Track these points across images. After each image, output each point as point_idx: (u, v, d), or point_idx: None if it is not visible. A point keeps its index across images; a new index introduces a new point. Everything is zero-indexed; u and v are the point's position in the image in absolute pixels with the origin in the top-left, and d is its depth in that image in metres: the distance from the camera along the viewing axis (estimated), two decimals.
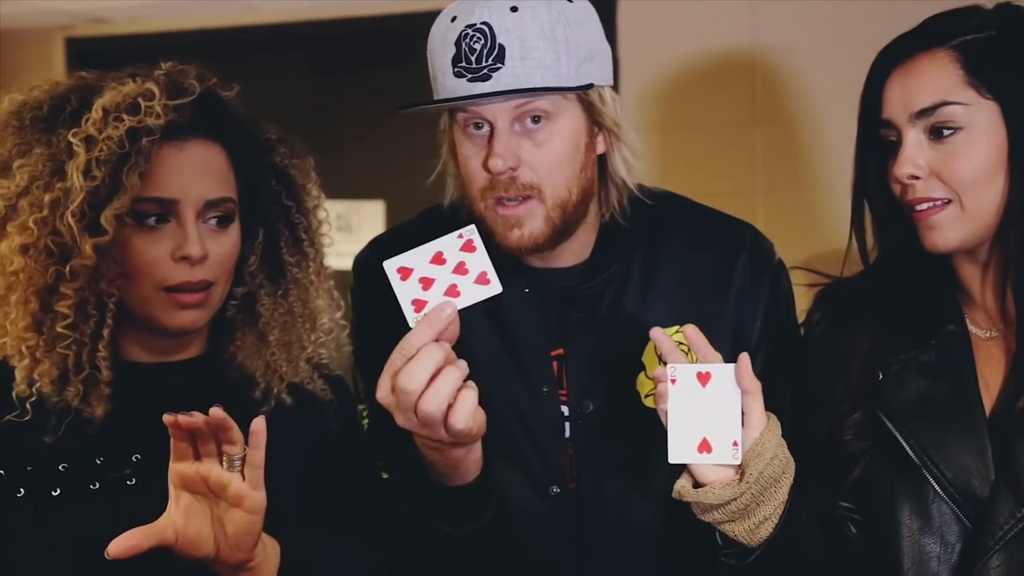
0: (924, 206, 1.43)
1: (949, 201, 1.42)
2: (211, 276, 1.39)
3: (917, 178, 1.42)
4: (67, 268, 1.26)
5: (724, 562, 1.46)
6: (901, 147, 1.43)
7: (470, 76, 1.47)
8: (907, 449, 1.44)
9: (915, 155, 1.42)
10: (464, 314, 1.60)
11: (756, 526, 1.38)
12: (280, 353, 1.50)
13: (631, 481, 1.59)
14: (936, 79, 1.41)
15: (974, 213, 1.41)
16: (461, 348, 1.59)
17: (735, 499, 1.36)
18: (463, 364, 1.34)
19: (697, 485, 1.40)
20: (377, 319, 1.65)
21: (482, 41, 1.46)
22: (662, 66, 3.78)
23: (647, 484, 1.59)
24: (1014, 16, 1.45)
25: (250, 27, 4.22)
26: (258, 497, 1.25)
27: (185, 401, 1.36)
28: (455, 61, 1.48)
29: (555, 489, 1.59)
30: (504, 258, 1.58)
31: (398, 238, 1.73)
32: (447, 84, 1.50)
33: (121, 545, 1.17)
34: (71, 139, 1.26)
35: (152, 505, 1.29)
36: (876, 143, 1.50)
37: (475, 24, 1.48)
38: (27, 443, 1.28)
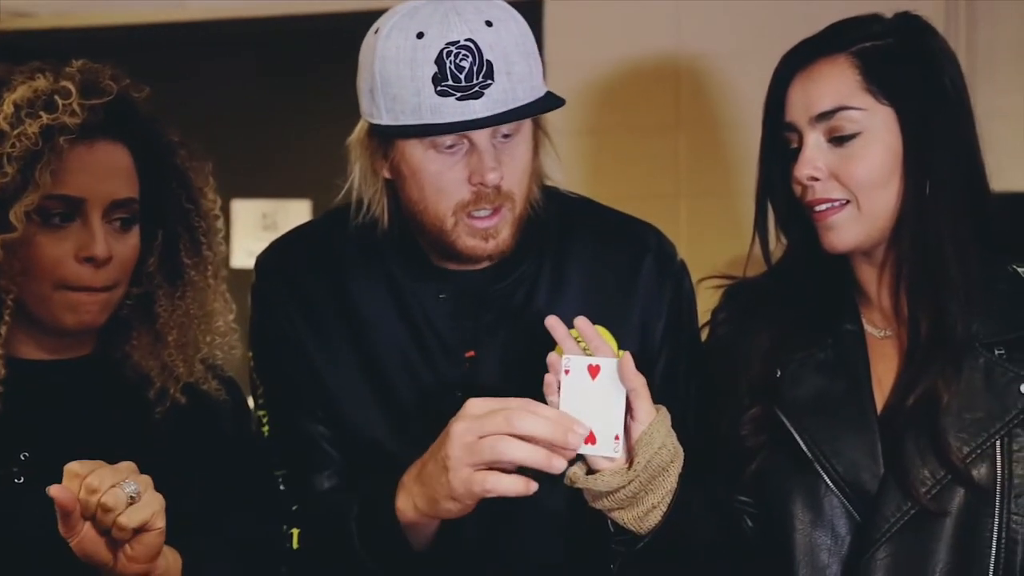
0: (823, 207, 1.45)
1: (847, 202, 1.44)
2: (112, 279, 1.39)
3: (816, 179, 1.45)
4: None
5: (615, 549, 1.47)
6: (802, 149, 1.46)
7: (459, 95, 1.44)
8: (801, 444, 1.47)
9: (815, 157, 1.44)
10: (378, 318, 1.62)
11: (644, 514, 1.39)
12: (177, 353, 1.49)
13: (541, 474, 1.57)
14: (835, 84, 1.44)
15: (870, 214, 1.45)
16: (378, 354, 1.62)
17: (623, 487, 1.37)
18: (534, 486, 1.36)
19: (590, 472, 1.42)
20: (278, 321, 1.67)
21: (470, 59, 1.44)
22: (588, 70, 3.77)
23: (556, 488, 1.54)
24: (912, 25, 1.48)
25: (178, 24, 4.20)
26: (156, 512, 1.23)
27: (78, 399, 1.40)
28: (437, 79, 1.45)
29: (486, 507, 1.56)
30: (418, 262, 1.61)
31: (301, 238, 1.75)
32: (425, 103, 1.45)
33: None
34: None
35: (39, 503, 1.26)
36: (779, 146, 1.53)
37: (458, 41, 1.45)
38: None
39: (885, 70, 1.44)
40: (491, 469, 1.33)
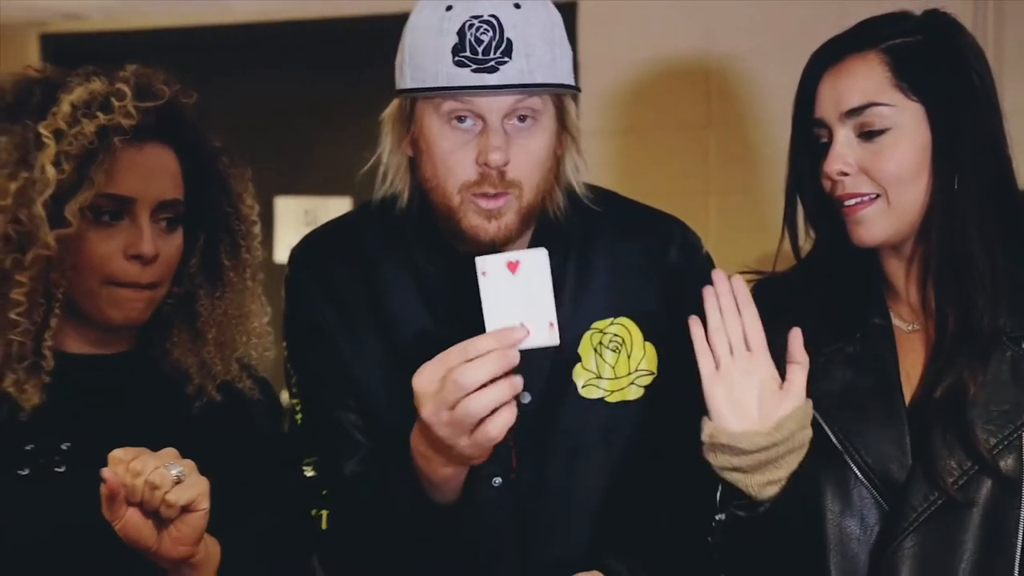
0: (852, 201, 1.44)
1: (876, 196, 1.43)
2: (157, 277, 1.39)
3: (846, 175, 1.43)
4: (26, 256, 1.25)
5: (727, 515, 1.46)
6: (832, 145, 1.45)
7: (475, 67, 1.44)
8: (831, 436, 1.46)
9: (845, 153, 1.43)
10: (403, 308, 1.61)
11: (767, 484, 1.39)
12: (215, 352, 1.49)
13: (568, 467, 1.59)
14: (865, 80, 1.43)
15: (899, 209, 1.43)
16: (404, 343, 1.61)
17: (764, 449, 1.36)
18: (519, 381, 1.34)
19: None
20: (308, 312, 1.66)
21: (490, 33, 1.44)
22: (620, 70, 3.77)
23: (584, 470, 1.59)
24: (941, 22, 1.47)
25: (224, 26, 4.18)
26: (201, 492, 1.24)
27: (118, 393, 1.40)
28: (456, 50, 1.44)
29: (497, 480, 1.58)
30: (442, 252, 1.60)
31: (332, 231, 1.74)
32: (443, 71, 1.46)
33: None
34: (41, 131, 1.25)
35: (80, 493, 1.28)
36: (809, 142, 1.52)
37: (481, 16, 1.44)
38: None
39: (914, 67, 1.42)
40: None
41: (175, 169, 1.39)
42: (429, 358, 1.50)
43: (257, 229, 1.54)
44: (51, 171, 1.25)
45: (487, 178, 1.48)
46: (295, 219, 3.97)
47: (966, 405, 1.40)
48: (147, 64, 1.43)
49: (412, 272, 1.63)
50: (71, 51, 4.45)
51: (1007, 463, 1.39)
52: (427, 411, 1.34)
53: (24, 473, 1.30)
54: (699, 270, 1.64)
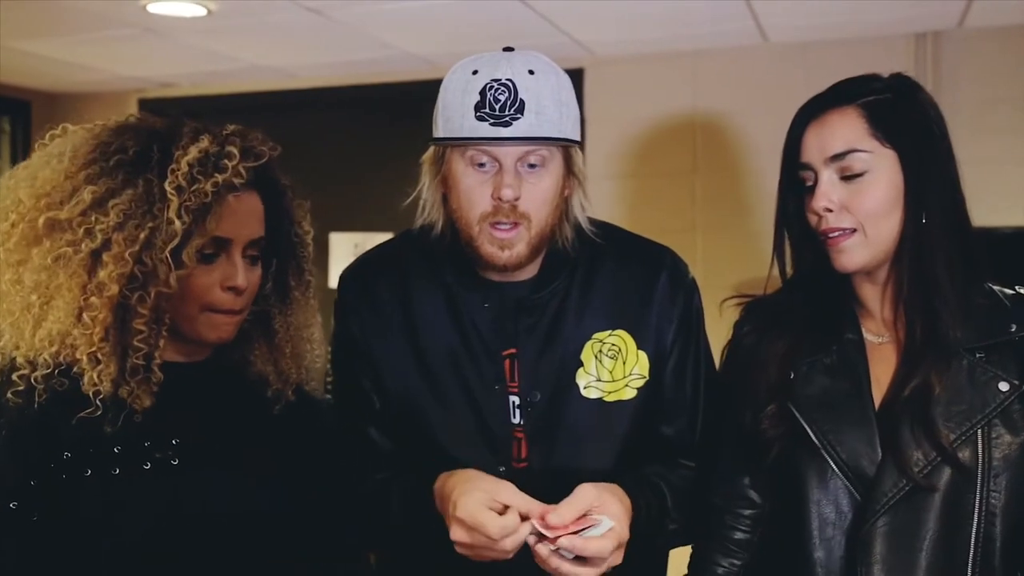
0: (835, 234, 1.43)
1: (855, 230, 1.42)
2: (245, 303, 1.39)
3: (830, 211, 1.42)
4: (150, 293, 1.25)
5: None
6: (817, 185, 1.44)
7: (492, 121, 1.46)
8: (811, 435, 1.44)
9: (829, 192, 1.42)
10: (433, 321, 1.62)
11: None
12: (291, 362, 1.49)
13: (571, 456, 1.58)
14: (846, 130, 1.42)
15: (875, 240, 1.42)
16: (431, 352, 1.61)
17: None
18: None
19: None
20: (349, 325, 1.67)
21: (507, 94, 1.46)
22: (620, 125, 3.81)
23: (586, 457, 1.59)
24: (906, 83, 1.47)
25: (288, 91, 4.26)
26: None
27: (210, 396, 1.41)
28: (478, 107, 1.46)
29: (502, 468, 1.56)
30: (469, 274, 1.61)
31: (376, 255, 1.75)
32: (467, 124, 1.48)
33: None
34: (166, 188, 1.24)
35: (193, 482, 1.31)
36: (795, 184, 1.50)
37: (500, 79, 1.47)
38: (90, 430, 1.25)
39: (887, 119, 1.42)
40: None
41: (261, 211, 1.39)
42: (454, 365, 1.59)
43: (311, 248, 1.53)
44: (176, 223, 1.24)
45: (501, 210, 1.49)
46: (346, 251, 4.01)
47: (931, 404, 1.39)
48: (240, 123, 1.43)
49: (441, 287, 1.63)
50: (164, 113, 4.46)
51: (965, 455, 1.37)
52: (456, 534, 1.37)
53: (147, 467, 1.29)
54: (685, 294, 1.66)
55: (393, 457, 1.65)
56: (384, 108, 4.09)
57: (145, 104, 4.46)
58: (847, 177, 1.42)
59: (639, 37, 3.52)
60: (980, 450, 1.37)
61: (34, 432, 1.24)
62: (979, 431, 1.37)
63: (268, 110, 4.24)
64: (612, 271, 1.64)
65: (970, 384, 1.39)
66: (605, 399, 1.59)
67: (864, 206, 1.41)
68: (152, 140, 1.30)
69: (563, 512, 1.35)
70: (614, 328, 1.61)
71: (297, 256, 1.49)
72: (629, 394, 1.60)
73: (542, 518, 1.34)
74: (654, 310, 1.63)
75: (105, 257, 1.23)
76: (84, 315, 1.23)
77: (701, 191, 3.72)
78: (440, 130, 1.53)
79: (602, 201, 3.69)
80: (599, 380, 1.60)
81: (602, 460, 1.59)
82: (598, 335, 1.60)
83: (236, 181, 1.29)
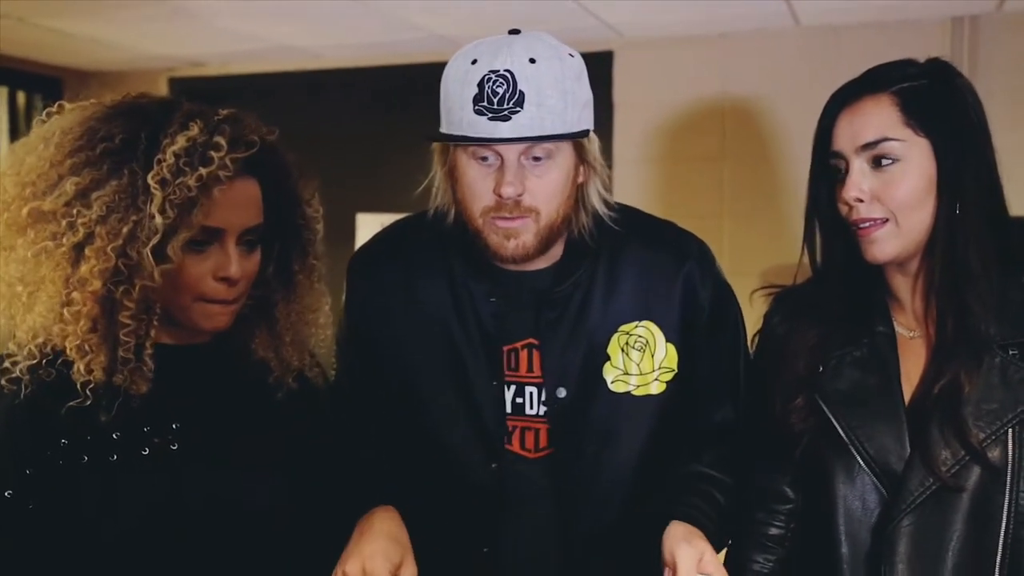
0: (866, 224, 1.40)
1: (887, 220, 1.40)
2: (240, 292, 1.36)
3: (861, 200, 1.40)
4: (134, 287, 1.22)
5: None
6: (848, 174, 1.41)
7: (491, 115, 1.41)
8: (839, 430, 1.43)
9: (860, 181, 1.39)
10: (436, 309, 1.60)
11: None
12: (292, 350, 1.47)
13: (599, 449, 1.57)
14: (879, 118, 1.39)
15: (907, 230, 1.40)
16: (432, 340, 1.60)
17: None
18: None
19: None
20: (353, 312, 1.67)
21: (505, 86, 1.41)
22: (649, 110, 3.81)
23: (613, 450, 1.57)
24: (943, 69, 1.43)
25: (314, 71, 4.28)
26: None
27: (209, 380, 1.39)
28: (476, 100, 1.42)
29: (493, 465, 1.57)
30: (476, 263, 1.57)
31: (382, 240, 1.73)
32: (465, 118, 1.43)
33: None
34: (149, 181, 1.21)
35: (194, 466, 1.30)
36: (826, 172, 1.47)
37: (498, 70, 1.42)
38: (85, 418, 1.24)
39: (921, 107, 1.39)
40: None
41: (258, 197, 1.35)
42: (453, 355, 1.57)
43: (320, 230, 1.48)
44: (159, 218, 1.21)
45: (503, 205, 1.46)
46: (372, 232, 4.02)
47: (961, 402, 1.37)
48: (245, 105, 1.38)
49: (446, 275, 1.60)
50: (194, 92, 4.47)
51: (994, 454, 1.35)
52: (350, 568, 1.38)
53: (145, 452, 1.28)
54: (713, 281, 1.63)
55: (381, 441, 1.64)
56: (410, 89, 4.04)
57: (175, 83, 4.51)
58: (879, 166, 1.39)
59: (669, 19, 3.50)
60: (1010, 450, 1.35)
61: (27, 420, 1.23)
62: (1010, 431, 1.35)
63: (295, 90, 4.29)
64: (636, 260, 1.60)
65: (1002, 382, 1.36)
66: (633, 393, 1.57)
67: (896, 196, 1.38)
68: (141, 127, 1.26)
69: None
70: (641, 319, 1.58)
71: (302, 239, 1.45)
72: (658, 388, 1.58)
73: None
74: (680, 301, 1.60)
75: (88, 251, 1.21)
76: (66, 310, 1.22)
77: (729, 177, 3.71)
78: (443, 123, 1.50)
79: (629, 185, 3.72)
80: (627, 374, 1.57)
81: (629, 453, 1.57)
82: (624, 327, 1.57)
83: (223, 174, 1.25)
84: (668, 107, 3.78)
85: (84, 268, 1.20)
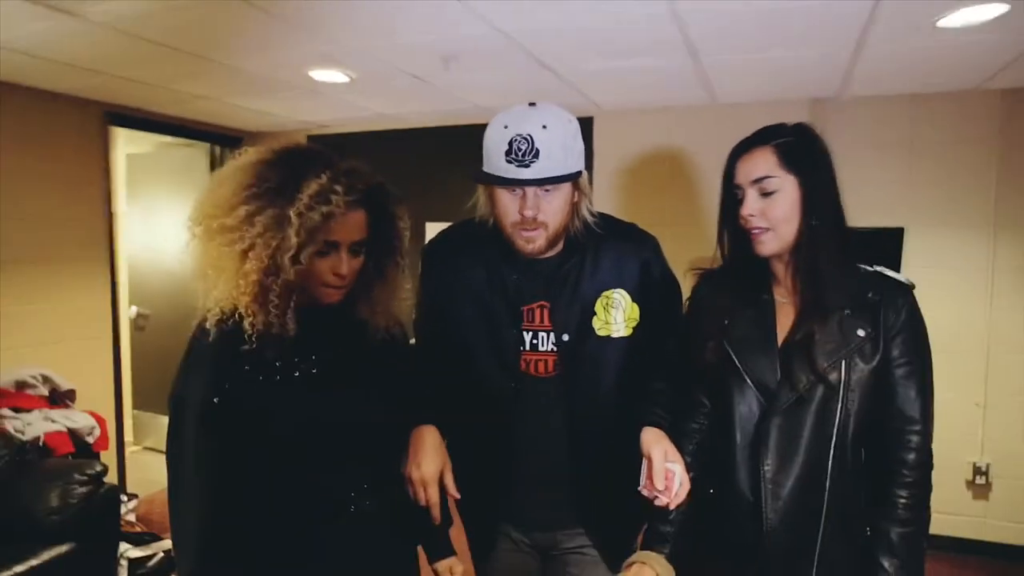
0: (756, 231, 1.39)
1: (769, 229, 1.39)
2: (348, 282, 1.34)
3: (753, 216, 1.39)
4: (279, 279, 1.22)
5: None
6: (744, 200, 1.40)
7: (516, 164, 1.41)
8: (736, 362, 1.43)
9: (752, 204, 1.38)
10: (474, 280, 1.58)
11: None
12: (382, 315, 1.42)
13: (593, 372, 1.56)
14: (764, 163, 1.38)
15: (782, 236, 1.39)
16: (472, 301, 1.58)
17: None
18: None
19: None
20: (424, 279, 1.65)
21: (526, 144, 1.40)
22: (617, 157, 3.78)
23: (602, 372, 1.56)
24: (806, 130, 1.41)
25: (400, 130, 4.25)
26: None
27: (334, 328, 1.36)
28: (507, 153, 1.41)
29: (512, 384, 1.56)
30: (506, 253, 1.56)
31: (445, 233, 1.70)
32: (500, 165, 1.42)
33: None
34: (291, 213, 1.21)
35: (329, 384, 1.29)
36: (730, 197, 1.45)
37: (522, 134, 1.41)
38: (257, 352, 1.25)
39: (791, 155, 1.37)
40: None
41: (364, 222, 1.33)
42: (486, 311, 1.56)
43: (407, 238, 1.44)
44: (295, 239, 1.21)
45: (525, 221, 1.46)
46: (435, 233, 4.05)
47: (813, 344, 1.37)
48: (356, 152, 1.34)
49: (484, 258, 1.59)
50: (323, 144, 4.50)
51: (832, 377, 1.35)
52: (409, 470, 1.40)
53: (297, 375, 1.27)
54: (661, 263, 1.63)
55: (439, 375, 1.62)
56: (459, 140, 4.06)
57: (311, 139, 4.48)
58: (764, 194, 1.38)
59: (629, 99, 3.49)
60: (843, 375, 1.35)
61: (220, 352, 1.24)
62: (843, 362, 1.35)
63: (388, 141, 4.26)
64: (612, 249, 1.59)
65: (839, 331, 1.36)
66: (612, 336, 1.56)
67: (775, 214, 1.37)
68: (289, 174, 1.25)
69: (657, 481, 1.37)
70: (616, 288, 1.57)
71: (393, 246, 1.41)
72: (628, 332, 1.57)
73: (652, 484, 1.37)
74: (641, 275, 1.59)
75: (251, 255, 1.21)
76: (236, 290, 1.23)
77: (671, 199, 3.68)
78: (484, 163, 1.48)
79: (608, 202, 3.71)
80: (607, 324, 1.56)
81: (609, 375, 1.56)
82: (605, 293, 1.56)
83: (338, 212, 1.24)
84: (630, 155, 3.75)
85: (247, 266, 1.21)
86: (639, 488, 1.39)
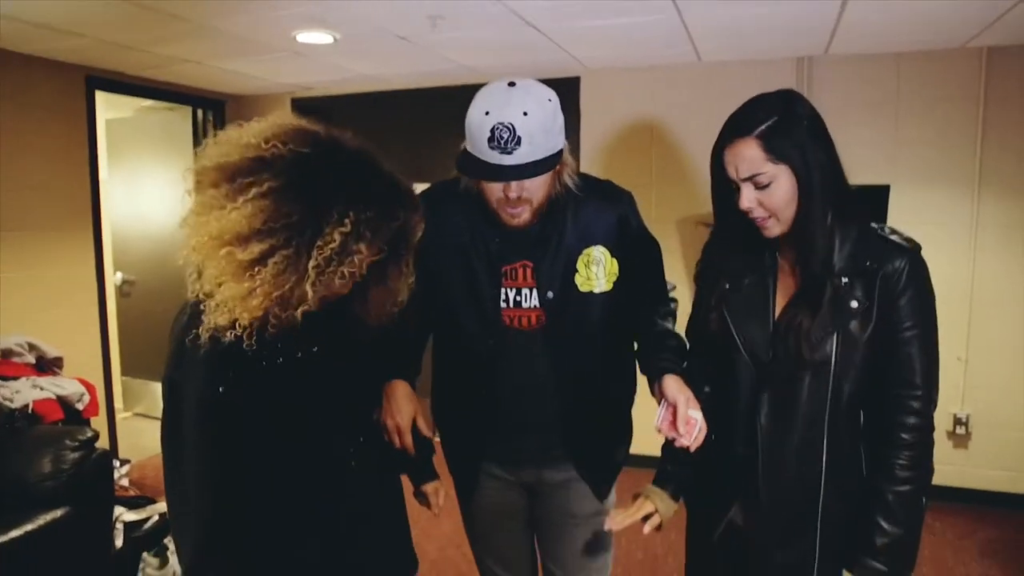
0: (759, 220, 1.36)
1: (771, 216, 1.35)
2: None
3: (752, 208, 1.34)
4: (283, 315, 1.16)
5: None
6: (740, 193, 1.35)
7: (500, 151, 1.40)
8: (732, 329, 1.42)
9: (748, 197, 1.34)
10: (461, 240, 1.59)
11: None
12: (375, 314, 1.32)
13: (576, 324, 1.59)
14: (749, 160, 1.32)
15: (784, 220, 1.35)
16: (457, 255, 1.60)
17: None
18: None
19: None
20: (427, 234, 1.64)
21: (508, 133, 1.38)
22: (606, 119, 3.76)
23: (585, 324, 1.59)
24: (788, 104, 1.34)
25: (385, 92, 4.19)
26: None
27: (333, 320, 1.30)
28: (489, 140, 1.39)
29: (491, 341, 1.59)
30: (491, 221, 1.56)
31: (436, 190, 1.67)
32: (484, 150, 1.41)
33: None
34: (309, 267, 1.14)
35: (328, 369, 1.27)
36: (725, 185, 1.39)
37: (504, 122, 1.39)
38: (263, 339, 1.18)
39: (778, 145, 1.31)
40: None
41: (380, 257, 1.25)
42: (469, 270, 1.58)
43: (418, 237, 1.32)
44: (310, 292, 1.14)
45: (509, 200, 1.47)
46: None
47: (806, 318, 1.36)
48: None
49: (471, 226, 1.59)
50: (307, 107, 4.48)
51: (825, 348, 1.34)
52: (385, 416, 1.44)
53: (300, 356, 1.23)
54: (637, 218, 1.65)
55: (421, 328, 1.65)
56: (444, 102, 4.01)
57: (295, 102, 4.40)
58: (759, 188, 1.33)
59: (616, 56, 3.43)
60: (836, 346, 1.34)
61: (222, 351, 1.17)
62: (836, 334, 1.34)
63: (373, 104, 4.21)
64: (591, 208, 1.59)
65: (832, 303, 1.34)
66: (594, 291, 1.58)
67: (773, 203, 1.34)
68: (310, 210, 1.13)
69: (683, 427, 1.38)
70: (596, 244, 1.58)
71: (399, 256, 1.30)
72: (608, 287, 1.59)
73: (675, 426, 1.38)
74: (618, 230, 1.60)
75: (258, 291, 1.13)
76: (237, 310, 1.14)
77: (656, 160, 3.66)
78: (467, 144, 1.46)
79: (596, 163, 3.70)
80: (589, 280, 1.58)
81: (591, 327, 1.59)
82: (587, 250, 1.58)
83: (359, 272, 1.17)
84: (616, 114, 3.72)
85: (253, 302, 1.13)
86: (656, 427, 1.40)
